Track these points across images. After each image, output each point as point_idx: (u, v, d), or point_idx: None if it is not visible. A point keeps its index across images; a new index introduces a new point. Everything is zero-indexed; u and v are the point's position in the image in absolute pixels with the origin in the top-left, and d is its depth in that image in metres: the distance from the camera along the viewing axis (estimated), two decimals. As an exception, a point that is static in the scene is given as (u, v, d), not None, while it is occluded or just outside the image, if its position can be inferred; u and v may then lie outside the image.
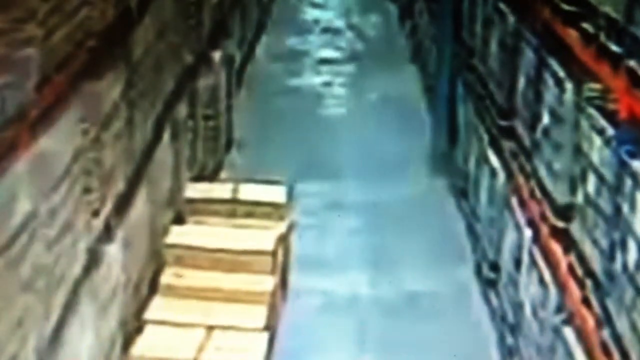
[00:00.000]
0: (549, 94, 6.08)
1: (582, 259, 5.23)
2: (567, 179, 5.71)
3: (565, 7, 5.71)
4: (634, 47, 4.45)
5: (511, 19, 7.47)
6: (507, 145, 7.45)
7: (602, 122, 4.99)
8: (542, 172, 6.23)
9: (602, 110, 5.11)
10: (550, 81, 6.08)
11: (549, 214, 5.99)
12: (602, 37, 4.93)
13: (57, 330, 5.10)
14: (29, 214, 4.60)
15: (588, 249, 5.12)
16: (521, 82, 7.01)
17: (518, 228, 6.87)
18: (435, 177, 10.52)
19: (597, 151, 5.03)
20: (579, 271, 5.25)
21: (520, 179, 6.89)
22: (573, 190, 5.55)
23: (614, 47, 4.73)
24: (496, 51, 8.02)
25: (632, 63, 4.45)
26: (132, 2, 6.65)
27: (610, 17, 4.83)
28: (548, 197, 6.04)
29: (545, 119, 6.17)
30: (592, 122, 5.15)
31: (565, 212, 5.68)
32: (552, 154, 5.98)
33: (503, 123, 7.61)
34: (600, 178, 4.94)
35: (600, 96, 5.29)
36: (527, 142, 6.74)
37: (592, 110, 5.21)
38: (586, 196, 5.20)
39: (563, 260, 5.62)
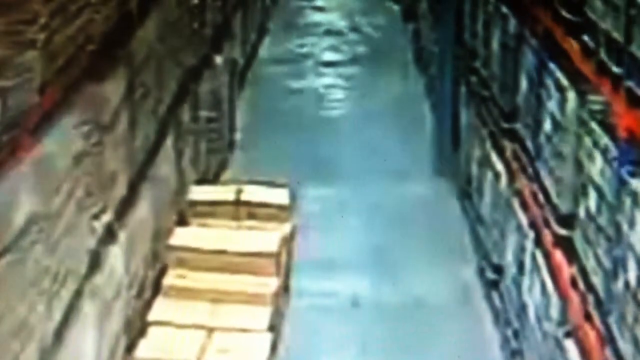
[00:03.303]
0: (551, 99, 6.04)
1: (584, 272, 5.15)
2: (569, 189, 5.64)
3: (566, 15, 5.65)
4: (634, 68, 4.37)
5: (513, 21, 7.47)
6: (510, 147, 7.45)
7: (604, 138, 4.91)
8: (545, 177, 6.20)
9: (604, 125, 5.02)
10: (551, 86, 6.04)
11: (552, 221, 5.94)
12: (602, 54, 4.84)
13: (60, 331, 5.12)
14: (31, 216, 4.62)
15: (590, 263, 5.06)
16: (523, 84, 7.01)
17: (521, 231, 6.87)
18: (439, 179, 10.52)
19: (597, 167, 4.96)
20: (582, 285, 5.18)
21: (523, 182, 6.89)
22: (575, 200, 5.49)
23: (614, 67, 4.64)
24: (498, 53, 8.02)
25: (631, 84, 4.37)
26: (134, 5, 6.66)
27: (610, 36, 4.74)
28: (551, 204, 5.99)
29: (548, 125, 6.13)
30: (594, 138, 5.07)
31: (568, 220, 5.61)
32: (555, 162, 5.94)
33: (505, 125, 7.62)
34: (600, 195, 4.88)
35: (602, 109, 5.19)
36: (529, 144, 6.74)
37: (594, 125, 5.11)
38: (587, 210, 5.14)
39: (566, 270, 5.56)
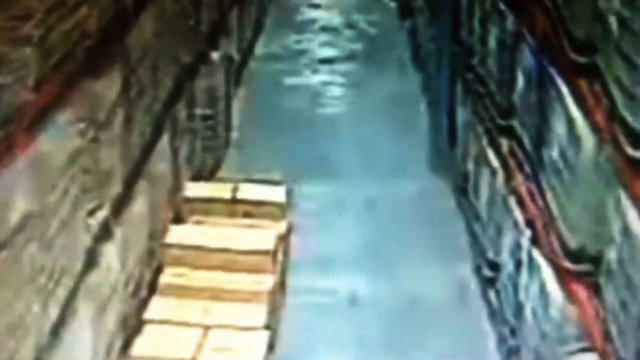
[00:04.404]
0: (555, 112, 5.89)
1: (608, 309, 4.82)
2: (581, 227, 5.33)
3: (576, 57, 5.37)
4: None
5: (510, 18, 7.44)
6: (506, 144, 7.44)
7: (625, 198, 4.49)
8: (551, 204, 5.90)
9: (625, 186, 4.56)
10: (554, 92, 5.92)
11: (561, 254, 5.62)
12: (618, 129, 4.51)
13: (55, 330, 5.10)
14: (26, 214, 4.59)
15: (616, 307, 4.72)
16: (520, 81, 6.99)
17: (517, 228, 6.85)
18: (435, 176, 10.50)
19: (617, 225, 4.59)
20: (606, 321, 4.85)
21: (519, 179, 6.87)
22: (586, 239, 5.24)
23: (631, 151, 4.29)
24: (495, 50, 8.00)
25: None
26: (130, 1, 6.63)
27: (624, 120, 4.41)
28: (559, 235, 5.68)
29: (555, 149, 5.79)
30: (616, 201, 4.61)
31: (581, 256, 5.34)
32: (565, 198, 5.59)
33: (502, 122, 7.60)
34: (619, 250, 4.60)
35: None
36: (526, 141, 6.72)
37: (617, 186, 4.66)
38: (608, 265, 4.79)
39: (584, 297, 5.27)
